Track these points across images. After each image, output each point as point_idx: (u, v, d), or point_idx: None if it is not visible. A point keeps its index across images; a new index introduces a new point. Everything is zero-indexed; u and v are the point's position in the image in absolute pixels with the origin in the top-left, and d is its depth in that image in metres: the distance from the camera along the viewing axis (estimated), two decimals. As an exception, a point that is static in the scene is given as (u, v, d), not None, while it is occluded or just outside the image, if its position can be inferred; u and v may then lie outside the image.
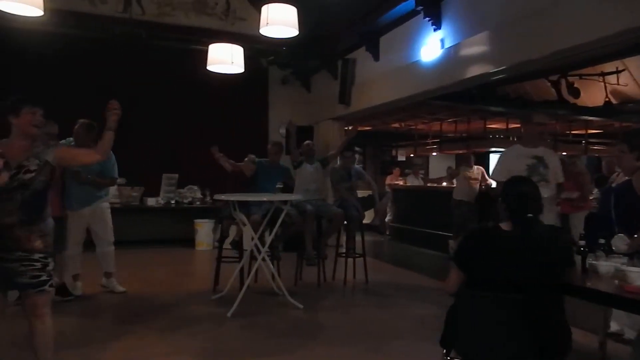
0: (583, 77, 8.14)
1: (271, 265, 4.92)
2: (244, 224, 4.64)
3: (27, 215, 2.47)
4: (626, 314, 3.48)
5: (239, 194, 4.75)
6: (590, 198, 6.12)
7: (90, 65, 7.51)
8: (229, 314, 4.23)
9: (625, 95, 8.88)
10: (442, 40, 5.69)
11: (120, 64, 7.66)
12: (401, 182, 10.81)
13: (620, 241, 2.70)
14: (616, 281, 2.26)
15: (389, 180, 10.96)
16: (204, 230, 7.85)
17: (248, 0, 8.05)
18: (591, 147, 11.61)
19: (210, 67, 5.00)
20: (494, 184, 8.38)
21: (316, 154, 5.77)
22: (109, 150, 2.88)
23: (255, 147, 6.35)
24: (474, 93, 7.80)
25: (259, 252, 4.64)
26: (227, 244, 5.29)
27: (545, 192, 3.37)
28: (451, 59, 5.52)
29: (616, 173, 4.96)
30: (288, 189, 5.33)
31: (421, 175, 11.35)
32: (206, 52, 4.99)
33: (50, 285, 2.57)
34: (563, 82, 8.10)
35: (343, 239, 6.11)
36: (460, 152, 12.01)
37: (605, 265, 2.41)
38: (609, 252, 2.60)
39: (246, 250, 4.93)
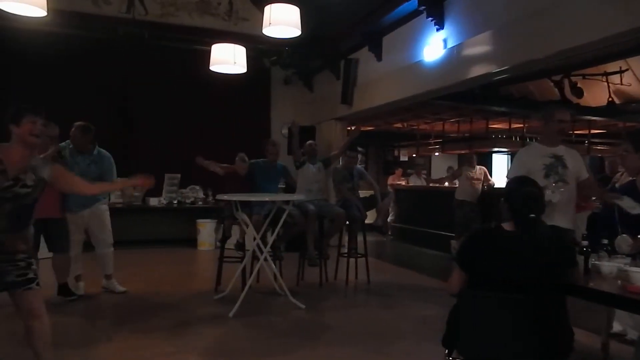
0: (586, 77, 8.13)
1: (273, 266, 4.93)
2: (247, 225, 4.65)
3: (12, 224, 2.50)
4: (629, 314, 3.47)
5: (242, 194, 4.75)
6: (593, 198, 6.10)
7: (93, 65, 7.53)
8: (230, 314, 4.23)
9: (629, 95, 8.86)
10: (444, 40, 5.68)
11: (123, 64, 7.69)
12: (403, 182, 10.80)
13: (623, 242, 2.70)
14: (619, 281, 2.26)
15: (391, 180, 10.95)
16: (206, 230, 7.87)
17: (251, 0, 8.06)
18: (594, 147, 11.58)
19: (213, 67, 5.00)
20: (496, 184, 8.41)
21: (318, 154, 5.77)
22: (105, 192, 2.96)
23: (258, 147, 6.35)
24: (477, 93, 7.79)
25: (261, 252, 4.64)
26: (230, 245, 5.29)
27: (564, 193, 3.29)
28: (454, 59, 5.52)
29: (620, 173, 4.94)
30: (290, 189, 5.33)
31: (424, 175, 11.34)
32: (209, 52, 5.00)
33: (37, 284, 2.58)
34: (566, 82, 8.09)
35: (345, 239, 6.11)
36: (463, 152, 12.00)
37: (608, 265, 2.40)
38: (611, 252, 2.60)
39: (248, 250, 4.94)
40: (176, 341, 3.66)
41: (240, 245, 5.22)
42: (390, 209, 9.71)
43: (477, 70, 5.21)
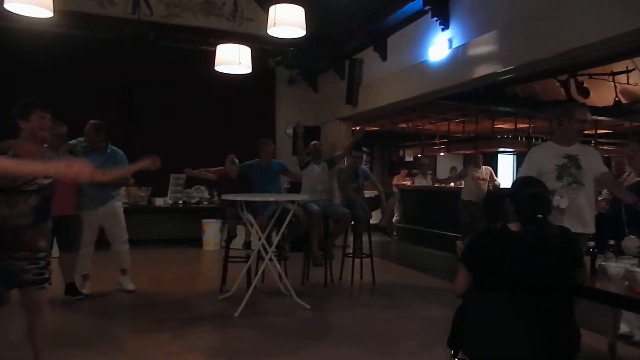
0: (592, 76, 8.08)
1: (278, 266, 4.93)
2: (251, 225, 4.65)
3: (37, 217, 2.55)
4: (636, 315, 3.45)
5: (247, 194, 4.75)
6: (600, 199, 6.06)
7: (98, 66, 7.55)
8: (236, 314, 4.23)
9: (635, 94, 8.80)
10: (450, 40, 5.66)
11: (128, 64, 7.71)
12: (408, 183, 10.78)
13: (630, 242, 2.68)
14: (626, 282, 2.24)
15: (395, 180, 10.93)
16: (212, 230, 7.88)
17: (255, 1, 8.07)
18: (600, 147, 11.51)
19: (218, 68, 5.01)
20: (502, 184, 8.38)
21: (323, 154, 5.76)
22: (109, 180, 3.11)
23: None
24: (482, 93, 7.76)
25: (266, 252, 4.65)
26: (235, 245, 5.30)
27: (578, 196, 3.15)
28: (459, 58, 5.50)
29: (627, 173, 4.90)
30: (295, 188, 5.33)
31: (429, 175, 11.31)
32: (214, 52, 5.01)
33: (50, 283, 2.65)
34: (572, 81, 8.04)
35: (350, 239, 6.10)
36: (468, 152, 11.97)
37: (615, 266, 2.39)
38: (618, 253, 2.58)
39: (253, 250, 4.94)
40: (181, 340, 3.67)
41: (248, 244, 5.23)
42: (395, 210, 9.70)
43: (483, 70, 5.19)
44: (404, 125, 12.20)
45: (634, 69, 8.02)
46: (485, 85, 6.62)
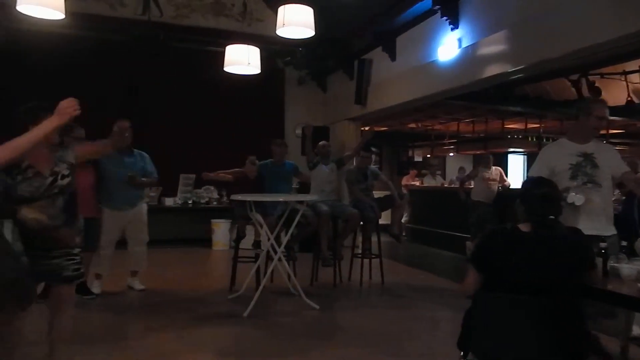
0: (604, 76, 7.99)
1: (287, 266, 4.93)
2: (261, 225, 4.66)
3: (68, 216, 2.63)
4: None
5: (256, 194, 4.76)
6: (612, 199, 6.00)
7: (107, 67, 7.59)
8: (245, 314, 4.25)
9: (648, 94, 8.69)
10: (459, 40, 5.64)
11: (138, 65, 7.75)
12: (417, 183, 10.74)
13: (643, 244, 2.64)
14: (639, 284, 2.21)
15: (404, 181, 10.89)
16: (221, 230, 7.91)
17: (264, 1, 8.08)
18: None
19: (227, 68, 5.03)
20: (512, 185, 8.32)
21: (332, 155, 5.76)
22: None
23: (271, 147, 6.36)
24: (492, 93, 7.71)
25: (275, 252, 4.65)
26: (245, 244, 5.31)
27: (596, 197, 2.99)
28: (469, 58, 5.47)
29: None
30: (305, 189, 5.33)
31: (438, 175, 11.26)
32: (223, 53, 5.03)
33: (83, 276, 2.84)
34: (583, 81, 7.96)
35: (359, 239, 6.09)
36: (478, 152, 11.90)
37: (627, 268, 2.36)
38: (631, 254, 2.55)
39: (262, 250, 4.95)
40: (190, 339, 3.69)
41: (258, 244, 5.24)
42: (404, 212, 9.66)
43: (492, 70, 5.16)
44: (413, 125, 12.16)
45: (646, 68, 7.92)
46: (495, 85, 6.57)
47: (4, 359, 2.56)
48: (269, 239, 4.63)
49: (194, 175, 8.16)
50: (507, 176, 8.40)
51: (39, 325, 2.86)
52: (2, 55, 6.59)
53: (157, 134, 7.85)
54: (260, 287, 4.58)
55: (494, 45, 5.13)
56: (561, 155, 3.13)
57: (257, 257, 4.99)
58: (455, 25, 5.67)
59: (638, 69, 7.85)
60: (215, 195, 8.31)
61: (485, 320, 2.10)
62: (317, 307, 4.55)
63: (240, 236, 5.25)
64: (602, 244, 2.42)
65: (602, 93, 8.08)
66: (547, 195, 2.17)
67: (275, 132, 8.67)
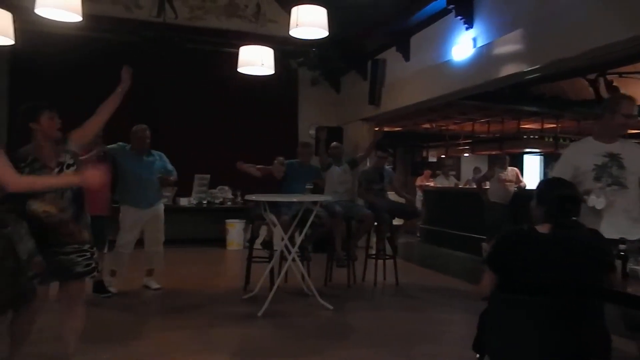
0: (623, 75, 7.86)
1: (301, 266, 4.94)
2: (274, 225, 4.67)
3: (76, 209, 2.67)
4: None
5: (269, 195, 4.78)
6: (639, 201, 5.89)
7: (121, 68, 7.63)
8: (259, 314, 4.26)
9: (668, 93, 8.53)
10: (474, 39, 5.59)
11: (152, 67, 7.79)
12: (432, 184, 10.68)
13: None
14: (659, 287, 2.17)
15: (419, 181, 10.84)
16: (235, 230, 7.95)
17: (277, 2, 8.10)
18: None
19: (240, 69, 5.05)
20: (528, 186, 8.22)
21: (345, 155, 5.75)
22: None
23: (285, 147, 6.38)
24: (507, 93, 7.63)
25: (289, 252, 4.66)
26: (258, 244, 5.33)
27: (621, 199, 2.87)
28: (483, 58, 5.42)
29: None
30: (318, 190, 5.33)
31: (452, 175, 11.17)
32: (237, 54, 5.05)
33: (98, 271, 2.85)
34: (601, 80, 7.83)
35: (373, 240, 6.07)
36: (493, 153, 11.80)
37: (647, 270, 2.31)
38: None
39: (276, 250, 4.96)
40: (205, 339, 3.71)
41: (267, 244, 5.26)
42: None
43: (508, 70, 5.11)
44: (427, 125, 12.09)
45: (666, 67, 7.77)
46: (510, 85, 6.50)
47: (12, 354, 2.60)
48: (282, 239, 4.64)
49: (208, 176, 8.21)
50: (523, 177, 8.31)
51: (54, 322, 2.92)
52: (21, 57, 6.69)
53: (172, 134, 7.91)
54: (274, 287, 4.59)
55: (510, 45, 5.07)
56: (586, 154, 3.00)
57: (271, 257, 5.00)
58: (469, 24, 5.63)
59: (658, 67, 7.71)
60: (230, 195, 8.36)
61: (501, 323, 2.08)
62: (331, 307, 4.54)
63: (254, 236, 5.27)
64: (622, 246, 2.37)
65: (621, 92, 7.95)
66: (567, 196, 2.14)
67: (288, 133, 8.71)
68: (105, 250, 4.76)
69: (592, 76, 7.80)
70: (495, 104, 8.51)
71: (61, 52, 6.99)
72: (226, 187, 8.33)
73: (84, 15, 3.76)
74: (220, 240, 8.03)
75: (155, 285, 5.12)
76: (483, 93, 6.59)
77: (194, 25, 7.76)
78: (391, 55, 7.44)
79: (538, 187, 2.38)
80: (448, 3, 5.72)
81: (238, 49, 5.07)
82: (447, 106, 8.52)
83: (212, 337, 3.76)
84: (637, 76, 8.02)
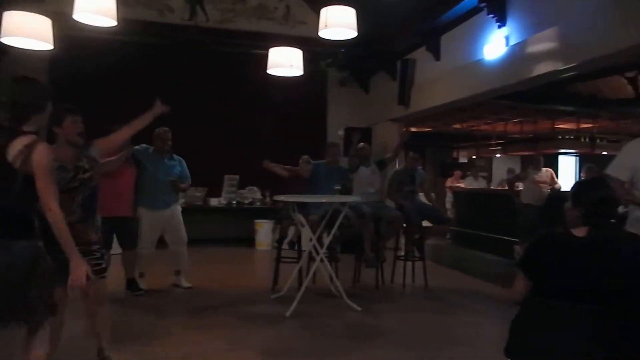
0: (664, 72, 7.58)
1: (329, 267, 4.93)
2: (303, 225, 4.69)
3: (85, 213, 2.71)
4: None
5: (298, 195, 4.79)
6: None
7: (154, 71, 7.77)
8: (287, 314, 4.28)
9: None
10: (506, 38, 5.48)
11: (185, 69, 7.95)
12: (462, 185, 10.53)
13: None
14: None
15: (449, 182, 10.69)
16: (264, 230, 8.01)
17: (307, 3, 8.13)
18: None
19: (270, 71, 5.08)
20: (563, 187, 8.01)
21: (373, 155, 5.72)
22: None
23: (314, 148, 6.38)
24: (541, 92, 7.45)
25: (317, 253, 4.66)
26: (286, 244, 5.36)
27: None
28: (517, 56, 5.31)
29: None
30: (347, 190, 5.32)
31: (482, 176, 10.97)
32: (266, 56, 5.09)
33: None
34: (641, 78, 7.57)
35: (402, 241, 6.01)
36: (526, 153, 11.53)
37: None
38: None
39: (304, 251, 4.98)
40: (234, 338, 3.75)
41: (293, 244, 5.28)
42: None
43: (542, 68, 4.99)
44: (457, 125, 11.92)
45: None
46: (544, 84, 6.35)
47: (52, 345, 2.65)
48: (310, 240, 4.65)
49: (237, 176, 8.31)
50: (557, 178, 8.09)
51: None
52: (59, 61, 6.90)
53: (202, 136, 8.05)
54: (302, 288, 4.60)
55: (544, 43, 4.95)
56: None
57: (299, 257, 5.02)
58: (502, 22, 5.52)
59: (702, 64, 7.39)
60: (259, 195, 8.43)
61: (534, 328, 2.02)
62: (359, 308, 4.52)
63: (282, 237, 5.30)
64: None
65: (662, 90, 7.66)
66: (607, 198, 2.06)
67: (318, 133, 8.73)
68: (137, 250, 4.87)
69: (630, 74, 7.54)
70: (528, 103, 8.31)
71: (96, 56, 7.16)
72: (255, 188, 8.42)
73: (119, 19, 3.85)
74: (249, 240, 8.11)
75: (185, 284, 5.20)
76: (515, 92, 6.45)
77: (224, 27, 7.86)
78: (421, 55, 7.37)
79: (573, 188, 2.30)
80: (480, 1, 5.63)
81: (267, 50, 5.11)
82: (478, 106, 8.37)
83: (240, 336, 3.80)
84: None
